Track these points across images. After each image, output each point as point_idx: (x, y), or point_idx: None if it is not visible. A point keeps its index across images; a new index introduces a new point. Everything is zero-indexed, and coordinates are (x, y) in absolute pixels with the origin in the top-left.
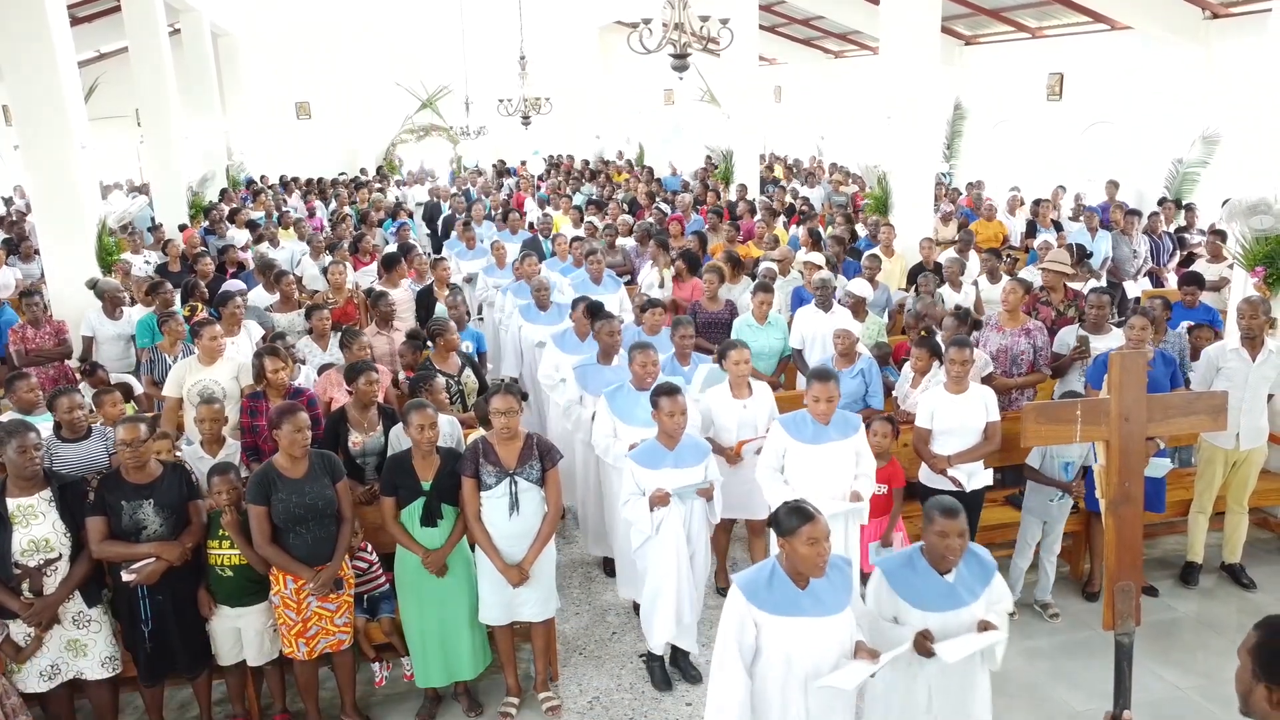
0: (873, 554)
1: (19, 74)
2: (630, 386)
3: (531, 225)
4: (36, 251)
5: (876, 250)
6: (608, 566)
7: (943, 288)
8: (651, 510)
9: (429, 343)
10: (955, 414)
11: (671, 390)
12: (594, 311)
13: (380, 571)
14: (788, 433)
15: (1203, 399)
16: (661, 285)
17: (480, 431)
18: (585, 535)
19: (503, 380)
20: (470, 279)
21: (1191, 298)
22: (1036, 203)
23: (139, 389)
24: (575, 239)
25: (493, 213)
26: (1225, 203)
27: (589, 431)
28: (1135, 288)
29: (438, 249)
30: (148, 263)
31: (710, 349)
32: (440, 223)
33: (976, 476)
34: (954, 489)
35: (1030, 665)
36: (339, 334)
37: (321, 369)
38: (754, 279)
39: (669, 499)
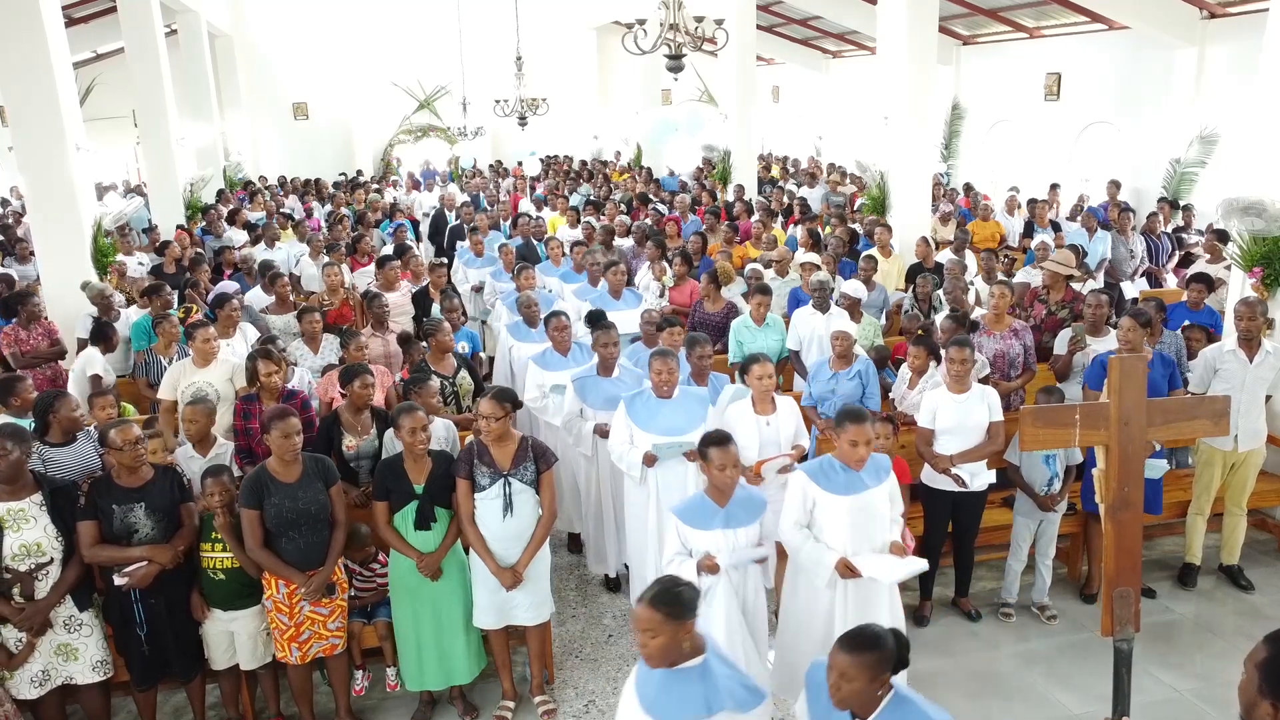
0: None
1: (13, 75)
2: (650, 393)
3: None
4: (32, 253)
5: (873, 251)
6: (610, 583)
7: (939, 290)
8: (699, 575)
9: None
10: (957, 414)
11: (722, 440)
12: (593, 321)
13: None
14: (815, 483)
15: (1204, 404)
16: (662, 295)
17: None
18: (587, 554)
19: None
20: (479, 288)
21: (1198, 296)
22: (1033, 203)
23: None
24: (576, 244)
25: (501, 221)
26: (1223, 201)
27: (591, 446)
28: (1133, 288)
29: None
30: (141, 264)
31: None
32: (448, 232)
33: (979, 476)
34: (957, 488)
35: (1027, 668)
36: (338, 335)
37: (325, 369)
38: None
39: (718, 568)
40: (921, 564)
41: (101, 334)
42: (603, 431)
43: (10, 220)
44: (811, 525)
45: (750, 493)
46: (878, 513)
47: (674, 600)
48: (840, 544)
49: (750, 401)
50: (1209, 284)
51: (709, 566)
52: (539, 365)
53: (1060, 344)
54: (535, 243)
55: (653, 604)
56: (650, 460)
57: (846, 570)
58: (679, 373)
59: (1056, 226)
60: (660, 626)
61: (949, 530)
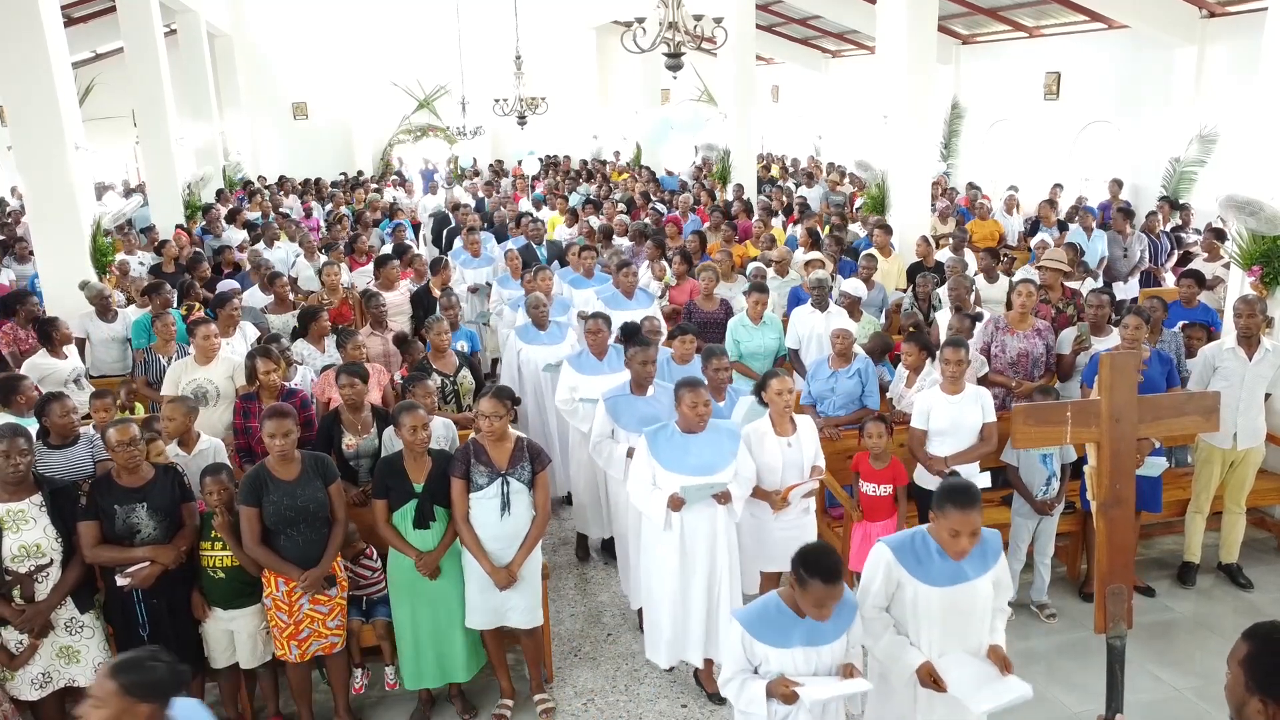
0: None
1: (13, 74)
2: (675, 428)
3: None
4: (31, 252)
5: (873, 250)
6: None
7: (940, 289)
8: (769, 701)
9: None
10: (951, 415)
11: (831, 575)
12: (629, 335)
13: (381, 576)
14: (904, 566)
15: (1194, 400)
16: (662, 296)
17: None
18: (624, 578)
19: (495, 383)
20: (475, 289)
21: (1190, 292)
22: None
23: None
24: (585, 248)
25: (506, 220)
26: (1224, 196)
27: (624, 469)
28: (1125, 289)
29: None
30: (141, 264)
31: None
32: (445, 234)
33: (974, 479)
34: None
35: (1026, 666)
36: (336, 335)
37: (324, 369)
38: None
39: (796, 697)
40: (1026, 691)
41: (44, 335)
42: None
43: (10, 220)
44: (891, 607)
45: (842, 598)
46: (978, 606)
47: (140, 674)
48: (926, 642)
49: (769, 421)
50: (1200, 280)
51: (785, 695)
52: (574, 367)
53: (1063, 344)
54: (535, 246)
55: (114, 671)
56: (677, 504)
57: (930, 680)
58: (710, 405)
59: (1063, 226)
60: (111, 699)
61: None
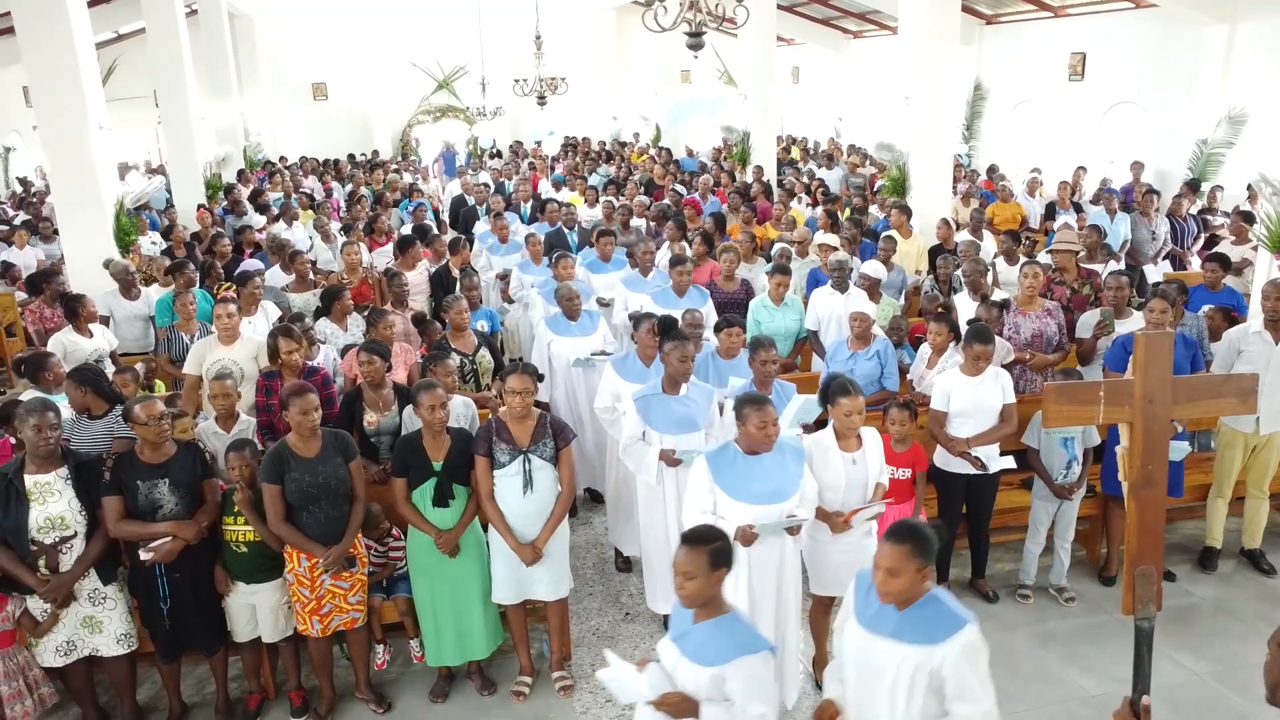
0: None
1: (38, 55)
2: (736, 447)
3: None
4: (56, 231)
5: (892, 232)
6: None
7: (958, 269)
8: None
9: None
10: (971, 396)
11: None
12: (666, 329)
13: (403, 553)
14: (855, 594)
15: (1231, 381)
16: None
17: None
18: (652, 592)
19: (519, 360)
20: (504, 275)
21: (1214, 276)
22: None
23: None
24: (604, 233)
25: (520, 204)
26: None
27: (657, 473)
28: (1155, 271)
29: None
30: (154, 244)
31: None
32: (461, 215)
33: (995, 461)
34: (974, 471)
35: (1044, 649)
36: (365, 313)
37: (346, 348)
38: (769, 260)
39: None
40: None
41: (70, 311)
42: (669, 459)
43: (35, 199)
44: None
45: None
46: (886, 679)
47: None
48: (848, 688)
49: (833, 435)
50: (1225, 264)
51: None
52: (618, 373)
53: (1084, 327)
54: (566, 231)
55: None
56: (749, 539)
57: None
58: (779, 423)
59: (1080, 208)
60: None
61: (963, 513)
